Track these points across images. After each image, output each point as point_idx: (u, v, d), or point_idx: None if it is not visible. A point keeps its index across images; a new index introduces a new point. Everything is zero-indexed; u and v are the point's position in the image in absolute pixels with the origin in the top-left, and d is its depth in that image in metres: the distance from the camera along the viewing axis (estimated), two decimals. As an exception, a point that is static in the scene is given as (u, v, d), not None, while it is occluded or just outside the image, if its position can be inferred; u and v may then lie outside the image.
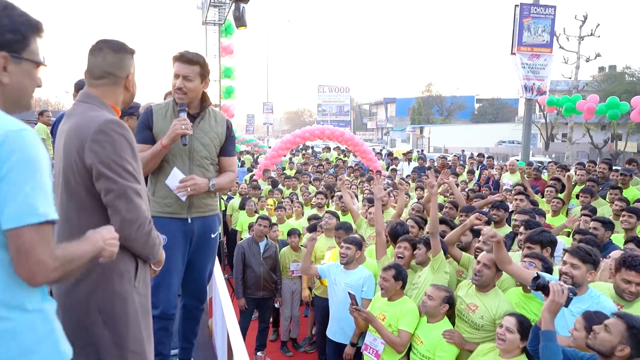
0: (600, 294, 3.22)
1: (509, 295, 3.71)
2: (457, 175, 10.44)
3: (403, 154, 16.91)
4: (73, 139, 1.96)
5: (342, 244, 4.82)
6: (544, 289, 2.72)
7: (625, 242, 4.49)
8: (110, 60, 2.05)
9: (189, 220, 3.07)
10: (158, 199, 3.02)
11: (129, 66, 2.10)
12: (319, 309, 5.66)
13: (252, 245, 6.21)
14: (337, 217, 6.28)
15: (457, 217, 5.97)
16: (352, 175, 12.19)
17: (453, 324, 3.74)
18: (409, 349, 3.86)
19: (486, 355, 3.26)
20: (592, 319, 2.73)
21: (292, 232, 6.61)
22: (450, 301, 3.70)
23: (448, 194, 7.01)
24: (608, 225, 4.93)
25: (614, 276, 3.32)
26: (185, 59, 2.95)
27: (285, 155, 15.00)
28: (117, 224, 1.87)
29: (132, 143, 1.98)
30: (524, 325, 3.03)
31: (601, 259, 3.62)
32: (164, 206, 3.01)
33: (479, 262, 3.68)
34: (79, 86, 4.65)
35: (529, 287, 2.95)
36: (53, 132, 4.64)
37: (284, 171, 13.53)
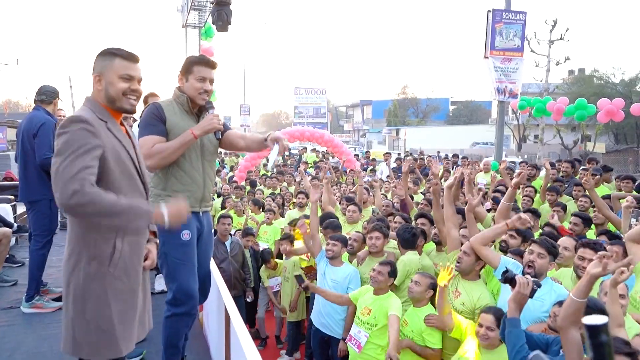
0: (553, 282, 3.57)
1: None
2: (434, 174, 10.69)
3: (384, 154, 17.11)
4: None
5: (328, 240, 4.94)
6: (512, 281, 2.98)
7: (598, 235, 4.83)
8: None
9: (200, 214, 3.22)
10: (171, 192, 3.07)
11: (96, 67, 2.34)
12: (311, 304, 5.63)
13: (218, 246, 6.19)
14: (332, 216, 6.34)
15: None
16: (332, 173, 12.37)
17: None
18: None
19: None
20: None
21: (247, 233, 6.77)
22: (435, 287, 3.87)
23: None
24: (587, 221, 5.34)
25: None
26: (212, 64, 3.16)
27: (265, 157, 15.09)
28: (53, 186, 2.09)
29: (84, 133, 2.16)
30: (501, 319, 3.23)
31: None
32: None
33: (460, 250, 3.95)
34: (56, 94, 4.88)
35: (499, 280, 3.19)
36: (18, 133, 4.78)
37: (263, 172, 13.63)
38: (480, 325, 3.28)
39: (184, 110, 3.13)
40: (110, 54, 2.35)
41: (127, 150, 2.34)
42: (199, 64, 3.11)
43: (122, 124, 2.44)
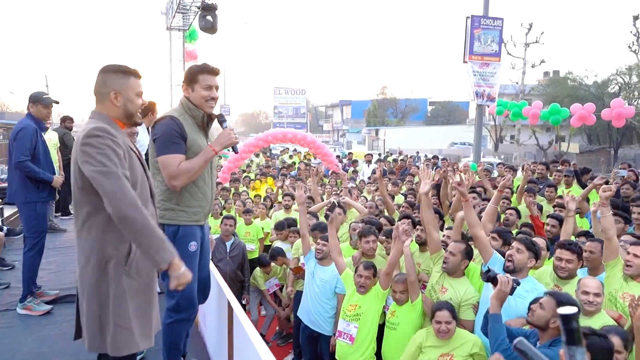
0: (536, 282, 3.80)
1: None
2: (412, 175, 10.98)
3: (365, 155, 17.35)
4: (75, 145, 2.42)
5: (318, 240, 5.13)
6: (493, 280, 3.21)
7: (577, 236, 5.04)
8: (97, 81, 2.49)
9: (203, 227, 3.35)
10: (185, 208, 3.13)
11: (111, 84, 2.47)
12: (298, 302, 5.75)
13: (219, 245, 6.35)
14: (316, 217, 6.47)
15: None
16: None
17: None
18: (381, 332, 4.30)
19: (428, 340, 3.67)
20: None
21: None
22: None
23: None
24: (562, 222, 5.57)
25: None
26: (216, 71, 3.16)
27: (248, 158, 15.20)
28: (106, 200, 2.23)
29: (112, 144, 2.33)
30: (453, 311, 3.58)
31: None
32: (192, 215, 3.16)
33: (447, 250, 4.17)
34: (33, 98, 4.89)
35: (481, 279, 3.43)
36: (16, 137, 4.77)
37: (245, 174, 13.73)
38: (439, 322, 3.53)
39: (196, 124, 3.16)
40: (123, 72, 2.49)
41: (139, 157, 2.55)
42: (203, 73, 3.11)
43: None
